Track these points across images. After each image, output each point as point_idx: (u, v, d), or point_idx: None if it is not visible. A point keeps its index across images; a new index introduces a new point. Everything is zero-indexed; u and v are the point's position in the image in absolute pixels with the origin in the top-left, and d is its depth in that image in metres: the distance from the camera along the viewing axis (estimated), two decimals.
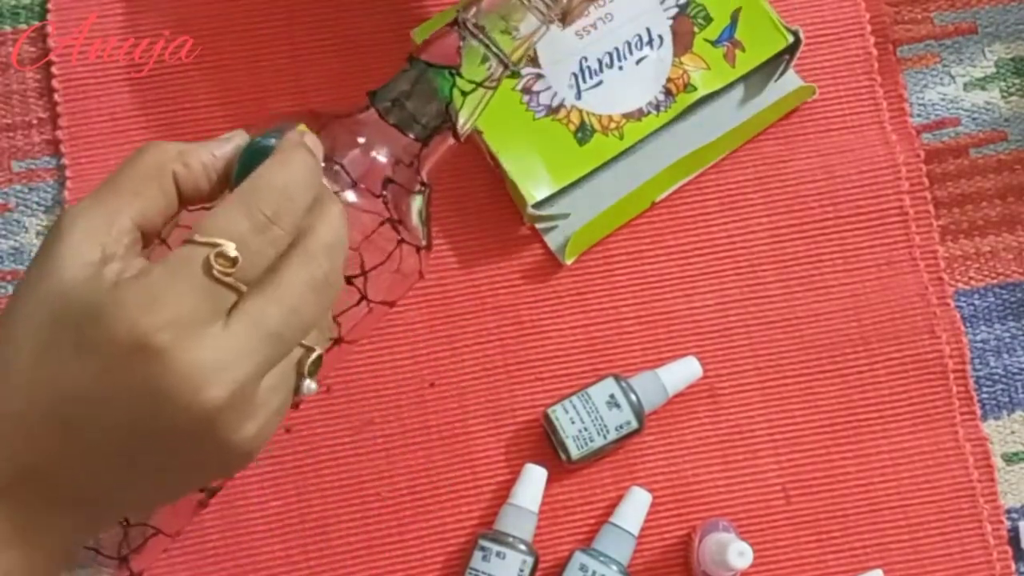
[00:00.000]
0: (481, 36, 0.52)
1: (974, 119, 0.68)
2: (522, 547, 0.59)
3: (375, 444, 0.63)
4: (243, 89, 0.66)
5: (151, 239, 0.44)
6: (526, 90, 0.64)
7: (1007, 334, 0.66)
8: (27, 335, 0.40)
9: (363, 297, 0.51)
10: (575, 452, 0.61)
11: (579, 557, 0.60)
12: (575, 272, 0.65)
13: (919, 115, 0.68)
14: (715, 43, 0.65)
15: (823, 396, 0.64)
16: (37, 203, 0.65)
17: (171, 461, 0.41)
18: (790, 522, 0.63)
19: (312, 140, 0.45)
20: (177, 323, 0.39)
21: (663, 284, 0.65)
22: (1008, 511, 0.64)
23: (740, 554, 0.56)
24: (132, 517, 0.51)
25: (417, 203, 0.52)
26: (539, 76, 0.64)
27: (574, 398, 0.61)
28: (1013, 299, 0.66)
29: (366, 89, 0.53)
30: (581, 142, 0.64)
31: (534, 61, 0.64)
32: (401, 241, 0.51)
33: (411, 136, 0.51)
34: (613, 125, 0.64)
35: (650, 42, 0.65)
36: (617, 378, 0.62)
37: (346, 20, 0.67)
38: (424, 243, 0.53)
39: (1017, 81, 0.69)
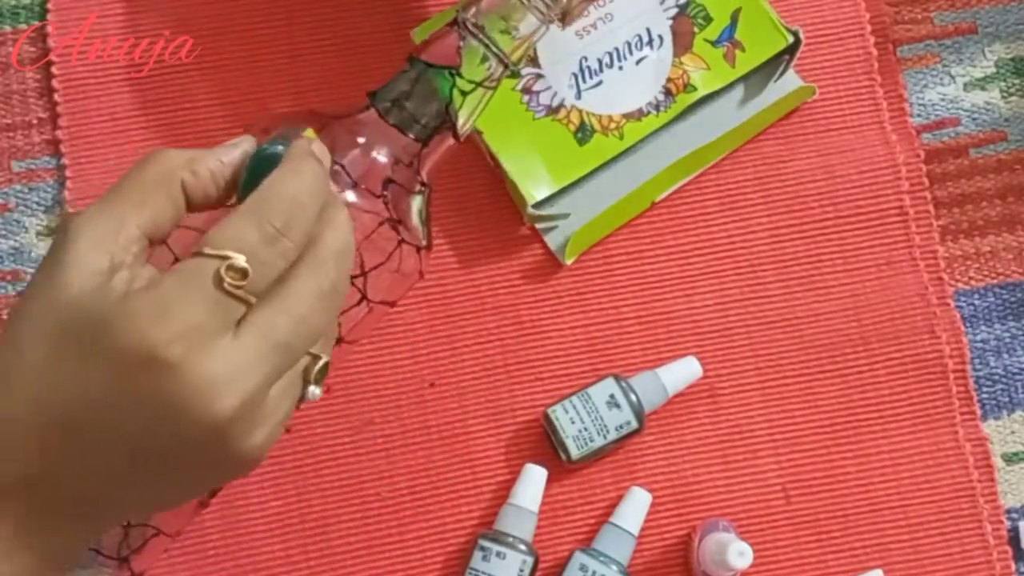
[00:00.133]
0: (481, 36, 0.52)
1: (974, 119, 0.68)
2: (522, 547, 0.59)
3: (375, 444, 0.63)
4: (243, 89, 0.66)
5: (157, 246, 0.44)
6: (526, 90, 0.64)
7: (1007, 334, 0.66)
8: (34, 343, 0.40)
9: (363, 297, 0.51)
10: (575, 452, 0.61)
11: (579, 557, 0.60)
12: (575, 272, 0.65)
13: (919, 115, 0.68)
14: (715, 43, 0.65)
15: (823, 396, 0.64)
16: (37, 203, 0.65)
17: (178, 469, 0.42)
18: (790, 522, 0.63)
19: (320, 148, 0.45)
20: (188, 336, 0.39)
21: (663, 284, 0.65)
22: (1008, 511, 0.64)
23: (740, 554, 0.56)
24: (134, 519, 0.51)
25: (417, 203, 0.52)
26: (539, 76, 0.64)
27: (574, 398, 0.61)
28: (1013, 299, 0.66)
29: (366, 89, 0.53)
30: (581, 142, 0.64)
31: (534, 61, 0.64)
32: (402, 241, 0.51)
33: (411, 136, 0.51)
34: (613, 125, 0.64)
35: (650, 42, 0.65)
36: (617, 378, 0.62)
37: (346, 20, 0.67)
38: (424, 243, 0.53)
39: (1017, 81, 0.69)
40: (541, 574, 0.61)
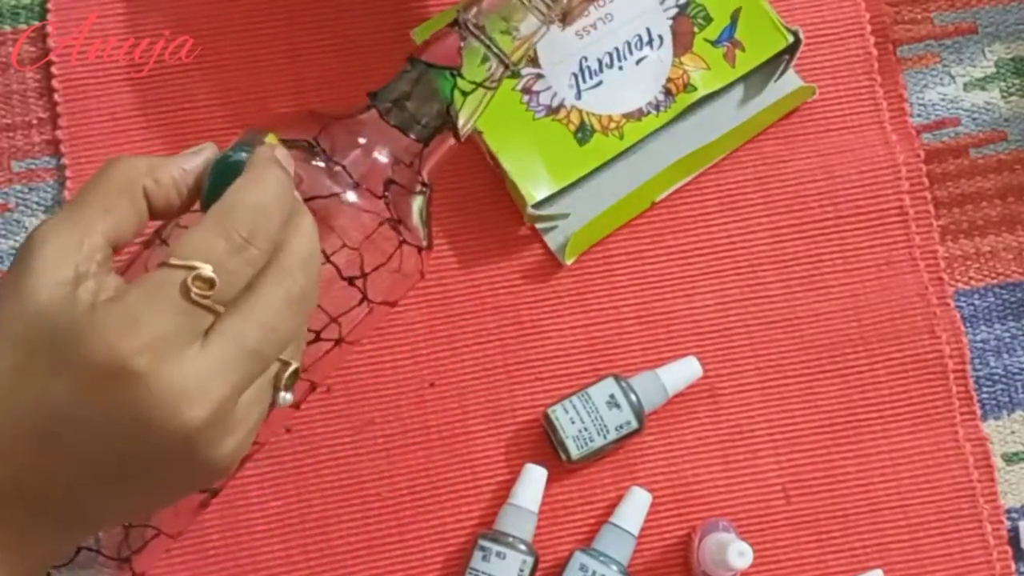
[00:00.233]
0: (481, 36, 0.52)
1: (974, 119, 0.68)
2: (522, 547, 0.59)
3: (375, 444, 0.63)
4: (243, 89, 0.66)
5: (120, 252, 0.44)
6: (526, 90, 0.64)
7: (1007, 334, 0.66)
8: (3, 354, 0.40)
9: (364, 298, 0.51)
10: (575, 452, 0.61)
11: (579, 557, 0.60)
12: (575, 272, 0.65)
13: (919, 115, 0.68)
14: (715, 43, 0.65)
15: (823, 396, 0.64)
16: (37, 203, 0.65)
17: (151, 478, 0.42)
18: (790, 522, 0.63)
19: (283, 154, 0.45)
20: (155, 346, 0.39)
21: (663, 284, 0.65)
22: (1008, 511, 0.64)
23: (740, 554, 0.56)
24: (108, 526, 0.51)
25: (418, 203, 0.52)
26: (539, 76, 0.64)
27: (574, 398, 0.61)
28: (1013, 299, 0.66)
29: (366, 89, 0.53)
30: (581, 142, 0.64)
31: (534, 61, 0.64)
32: (403, 242, 0.51)
33: (412, 137, 0.51)
34: (613, 125, 0.64)
35: (650, 42, 0.65)
36: (617, 378, 0.62)
37: (346, 20, 0.67)
38: (425, 243, 0.53)
39: (1017, 81, 0.69)
40: (541, 574, 0.61)
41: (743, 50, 0.65)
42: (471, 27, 0.52)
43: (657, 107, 0.65)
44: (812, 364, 0.64)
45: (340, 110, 0.52)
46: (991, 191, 0.68)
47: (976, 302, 0.66)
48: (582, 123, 0.64)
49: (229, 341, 0.40)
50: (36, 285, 0.40)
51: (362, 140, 0.51)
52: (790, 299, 0.65)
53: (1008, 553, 0.63)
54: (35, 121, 0.66)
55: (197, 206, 0.45)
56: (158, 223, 0.49)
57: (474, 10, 0.52)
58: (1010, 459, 0.65)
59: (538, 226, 0.65)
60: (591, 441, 0.61)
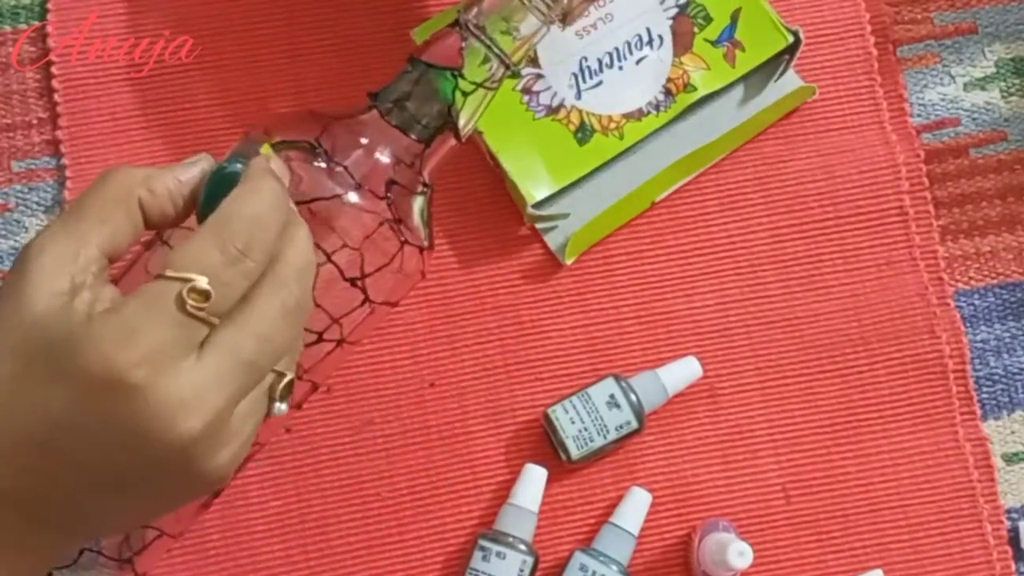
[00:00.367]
0: (482, 37, 0.52)
1: (974, 119, 0.68)
2: (522, 547, 0.59)
3: (375, 444, 0.63)
4: (243, 89, 0.66)
5: (116, 263, 0.44)
6: (526, 90, 0.64)
7: (1007, 334, 0.66)
8: (1, 362, 0.40)
9: (366, 299, 0.51)
10: (575, 452, 0.61)
11: (579, 557, 0.60)
12: (575, 272, 0.65)
13: (919, 115, 0.68)
14: (715, 43, 0.65)
15: (823, 396, 0.64)
16: (37, 203, 0.65)
17: (148, 488, 0.42)
18: (790, 522, 0.63)
19: (278, 165, 0.45)
20: (151, 359, 0.39)
21: (663, 284, 0.65)
22: (1008, 511, 0.64)
23: (740, 554, 0.56)
24: (105, 535, 0.51)
25: (419, 204, 0.52)
26: (539, 76, 0.64)
27: (574, 398, 0.61)
28: (1013, 299, 0.66)
29: (366, 89, 0.53)
30: (581, 142, 0.64)
31: (534, 61, 0.64)
32: (405, 242, 0.51)
33: (413, 137, 0.51)
34: (613, 125, 0.64)
35: (650, 42, 0.65)
36: (617, 378, 0.62)
37: (346, 20, 0.67)
38: (426, 244, 0.53)
39: (1017, 81, 0.69)
40: (541, 574, 0.61)
41: (743, 50, 0.65)
42: (472, 28, 0.52)
43: (657, 107, 0.65)
44: (812, 364, 0.64)
45: (341, 110, 0.52)
46: (991, 191, 0.68)
47: (976, 302, 0.66)
48: (582, 123, 0.64)
49: (224, 353, 0.41)
50: (33, 295, 0.40)
51: (363, 140, 0.51)
52: (790, 299, 0.65)
53: (1008, 553, 0.63)
54: (35, 121, 0.66)
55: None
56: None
57: (475, 11, 0.52)
58: (1010, 459, 0.65)
59: (538, 226, 0.65)
60: (591, 441, 0.61)
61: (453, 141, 0.53)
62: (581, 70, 0.64)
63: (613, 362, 0.64)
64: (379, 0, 0.67)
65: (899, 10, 0.69)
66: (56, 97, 0.65)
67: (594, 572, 0.59)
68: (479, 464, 0.63)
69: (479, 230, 0.65)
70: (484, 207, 0.65)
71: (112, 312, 0.40)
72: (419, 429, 0.63)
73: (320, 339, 0.51)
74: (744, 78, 0.66)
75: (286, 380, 0.44)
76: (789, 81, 0.66)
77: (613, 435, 0.61)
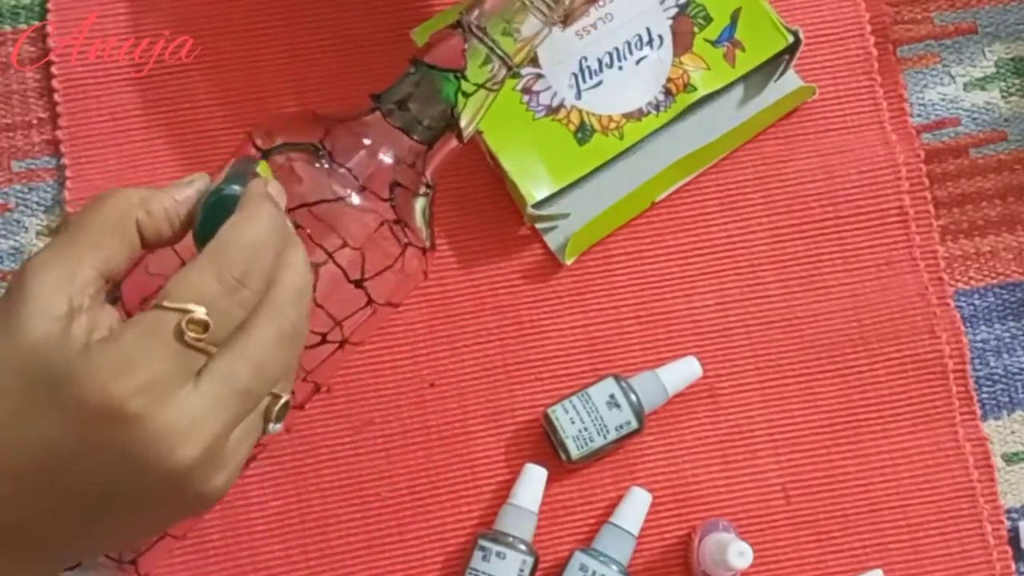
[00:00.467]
0: (484, 38, 0.52)
1: (974, 119, 0.68)
2: (522, 547, 0.59)
3: (375, 444, 0.63)
4: (243, 89, 0.66)
5: (112, 283, 0.44)
6: (526, 90, 0.64)
7: (1007, 334, 0.66)
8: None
9: (370, 300, 0.51)
10: (575, 452, 0.61)
11: (579, 557, 0.60)
12: (575, 272, 0.65)
13: (919, 115, 0.68)
14: (715, 43, 0.65)
15: (823, 396, 0.64)
16: (37, 203, 0.65)
17: (142, 512, 0.42)
18: (790, 522, 0.63)
19: (276, 188, 0.45)
20: (150, 389, 0.39)
21: (663, 284, 0.65)
22: (1008, 511, 0.64)
23: (740, 554, 0.56)
24: (101, 554, 0.51)
25: (421, 204, 0.52)
26: (539, 76, 0.64)
27: (574, 398, 0.61)
28: (1013, 299, 0.66)
29: (366, 89, 0.53)
30: (581, 142, 0.64)
31: (534, 61, 0.64)
32: (408, 244, 0.51)
33: (415, 139, 0.51)
34: (613, 125, 0.64)
35: (650, 42, 0.65)
36: (617, 378, 0.62)
37: (346, 20, 0.67)
38: (428, 244, 0.53)
39: (1017, 81, 0.69)
40: (541, 574, 0.61)
41: (743, 50, 0.65)
42: (474, 29, 0.52)
43: (657, 107, 0.65)
44: (812, 364, 0.64)
45: (343, 112, 0.52)
46: (991, 191, 0.68)
47: (976, 302, 0.66)
48: (582, 123, 0.64)
49: (221, 381, 0.41)
50: (31, 319, 0.40)
51: (366, 142, 0.51)
52: (790, 299, 0.65)
53: (1008, 553, 0.63)
54: (35, 121, 0.66)
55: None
56: None
57: (476, 12, 0.52)
58: (1010, 459, 0.65)
59: (538, 226, 0.65)
60: (591, 441, 0.61)
61: (455, 142, 0.53)
62: (581, 70, 0.64)
63: (613, 362, 0.64)
64: (379, 0, 0.67)
65: (899, 10, 0.69)
66: (56, 97, 0.65)
67: (594, 572, 0.59)
68: (479, 464, 0.63)
69: (479, 230, 0.65)
70: (484, 207, 0.65)
71: (110, 341, 0.40)
72: (419, 429, 0.63)
73: (324, 341, 0.51)
74: (744, 78, 0.66)
75: (281, 402, 0.44)
76: (789, 81, 0.66)
77: (613, 435, 0.61)
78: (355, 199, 0.49)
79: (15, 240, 0.65)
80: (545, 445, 0.63)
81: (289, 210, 0.48)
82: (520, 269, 0.65)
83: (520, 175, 0.63)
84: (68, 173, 0.65)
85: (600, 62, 0.64)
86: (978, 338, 0.66)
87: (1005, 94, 0.69)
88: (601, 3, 0.65)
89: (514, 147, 0.63)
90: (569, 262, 0.64)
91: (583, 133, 0.64)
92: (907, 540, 0.63)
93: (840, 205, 0.66)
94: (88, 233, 0.42)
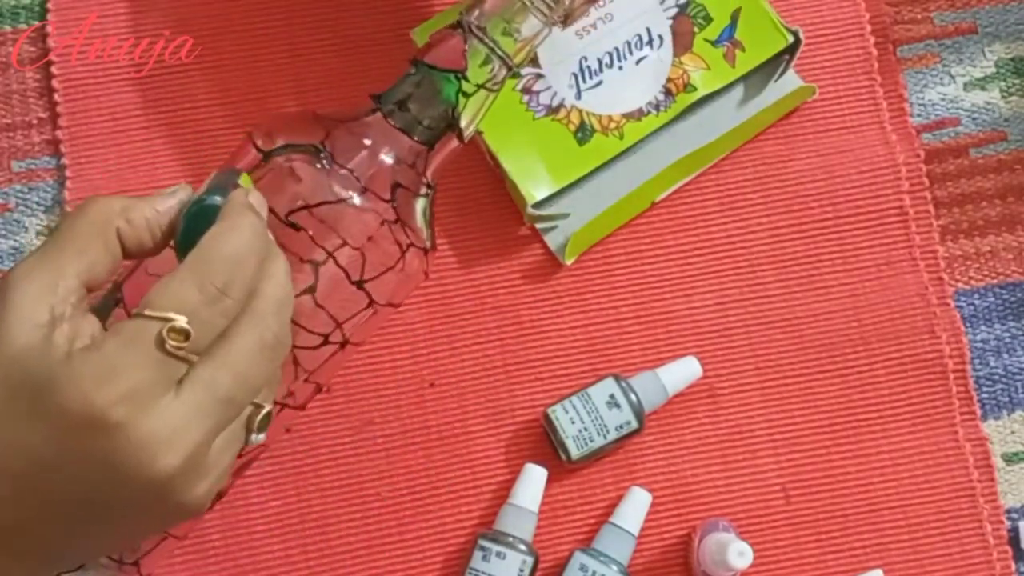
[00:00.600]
0: (484, 39, 0.52)
1: (974, 119, 0.68)
2: (522, 547, 0.59)
3: (375, 444, 0.63)
4: (243, 89, 0.66)
5: (93, 292, 0.44)
6: (526, 90, 0.64)
7: (1007, 334, 0.66)
8: None
9: (372, 302, 0.51)
10: (575, 452, 0.61)
11: (579, 557, 0.60)
12: (575, 272, 0.65)
13: (919, 115, 0.68)
14: (715, 43, 0.65)
15: (823, 396, 0.64)
16: (37, 203, 0.65)
17: (124, 521, 0.42)
18: (790, 522, 0.63)
19: (257, 199, 0.45)
20: (132, 397, 0.39)
21: (663, 284, 0.65)
22: (1008, 511, 0.64)
23: (740, 554, 0.56)
24: (82, 561, 0.52)
25: (421, 205, 0.52)
26: (539, 76, 0.64)
27: (574, 398, 0.61)
28: (1013, 299, 0.66)
29: (366, 89, 0.53)
30: (581, 142, 0.64)
31: (534, 61, 0.64)
32: (410, 245, 0.51)
33: (416, 139, 0.51)
34: (613, 125, 0.64)
35: (650, 42, 0.65)
36: (617, 378, 0.62)
37: (346, 20, 0.67)
38: (429, 244, 0.53)
39: (1017, 81, 0.69)
40: (541, 574, 0.61)
41: (743, 50, 0.65)
42: (474, 29, 0.52)
43: (657, 107, 0.65)
44: (812, 364, 0.64)
45: (344, 112, 0.52)
46: (991, 191, 0.68)
47: (976, 302, 0.66)
48: (582, 123, 0.64)
49: (203, 389, 0.41)
50: (13, 327, 0.40)
51: (367, 143, 0.51)
52: (789, 299, 0.65)
53: (1008, 553, 0.63)
54: (35, 121, 0.66)
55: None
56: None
57: (476, 12, 0.52)
58: (1010, 459, 0.65)
59: (538, 226, 0.65)
60: (591, 441, 0.61)
61: (455, 142, 0.53)
62: (581, 70, 0.64)
63: (613, 362, 0.64)
64: (379, 0, 0.67)
65: (899, 10, 0.69)
66: (56, 97, 0.65)
67: (594, 572, 0.59)
68: (479, 464, 0.63)
69: (479, 230, 0.65)
70: (484, 207, 0.65)
71: (92, 350, 0.40)
72: (419, 429, 0.63)
73: (325, 341, 0.51)
74: (744, 78, 0.66)
75: (263, 412, 0.44)
76: (789, 81, 0.66)
77: (613, 435, 0.61)
78: (356, 200, 0.49)
79: (15, 240, 0.65)
80: (545, 445, 0.63)
81: (290, 211, 0.48)
82: (520, 269, 0.65)
83: (520, 175, 0.63)
84: (68, 173, 0.65)
85: (600, 62, 0.64)
86: (978, 338, 0.66)
87: (1005, 94, 0.69)
88: (601, 3, 0.65)
89: (514, 147, 0.63)
90: (569, 262, 0.64)
91: (583, 133, 0.64)
92: (907, 540, 0.63)
93: (840, 205, 0.66)
94: (70, 242, 0.43)
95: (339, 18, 0.67)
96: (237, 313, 0.42)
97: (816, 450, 0.64)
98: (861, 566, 0.62)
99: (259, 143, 0.50)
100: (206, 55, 0.66)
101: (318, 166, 0.49)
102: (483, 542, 0.60)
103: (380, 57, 0.66)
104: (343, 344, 0.52)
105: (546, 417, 0.62)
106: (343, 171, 0.49)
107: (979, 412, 0.65)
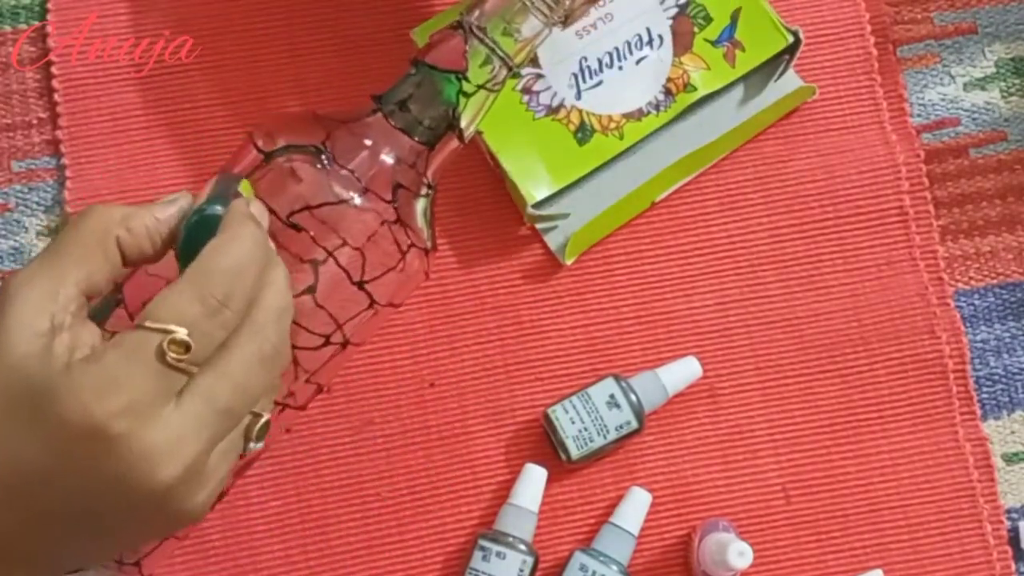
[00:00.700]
0: (485, 39, 0.52)
1: (974, 119, 0.68)
2: (522, 547, 0.59)
3: (375, 444, 0.63)
4: (243, 89, 0.66)
5: (94, 300, 0.44)
6: (526, 90, 0.64)
7: (1007, 334, 0.66)
8: None
9: (372, 301, 0.51)
10: (575, 452, 0.61)
11: (579, 557, 0.60)
12: (575, 272, 0.65)
13: (919, 115, 0.68)
14: (715, 43, 0.65)
15: (823, 396, 0.64)
16: (37, 203, 0.65)
17: (123, 529, 0.43)
18: (790, 522, 0.63)
19: (258, 208, 0.46)
20: (132, 409, 0.40)
21: (663, 284, 0.65)
22: (1008, 511, 0.64)
23: (740, 554, 0.56)
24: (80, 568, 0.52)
25: (422, 205, 0.52)
26: (539, 76, 0.64)
27: (574, 398, 0.61)
28: (1013, 299, 0.66)
29: (366, 89, 0.53)
30: (581, 142, 0.64)
31: (534, 61, 0.64)
32: (411, 245, 0.51)
33: (416, 139, 0.51)
34: (613, 125, 0.64)
35: (650, 42, 0.65)
36: (617, 378, 0.62)
37: (346, 20, 0.67)
38: (429, 245, 0.53)
39: (1017, 81, 0.69)
40: (541, 574, 0.61)
41: (743, 50, 0.65)
42: (474, 30, 0.52)
43: (657, 107, 0.65)
44: (812, 364, 0.64)
45: (344, 113, 0.52)
46: (991, 191, 0.68)
47: (976, 302, 0.66)
48: (582, 123, 0.64)
49: (202, 400, 0.41)
50: (13, 336, 0.40)
51: (368, 143, 0.51)
52: (790, 299, 0.65)
53: (1008, 553, 0.63)
54: (35, 121, 0.66)
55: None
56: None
57: (476, 12, 0.52)
58: (1010, 459, 0.65)
59: (538, 226, 0.65)
60: (591, 441, 0.61)
61: (456, 143, 0.53)
62: (581, 70, 0.64)
63: (613, 362, 0.64)
64: (379, 0, 0.67)
65: (899, 10, 0.69)
66: (56, 97, 0.65)
67: (594, 572, 0.59)
68: (479, 464, 0.63)
69: (479, 230, 0.65)
70: (484, 207, 0.65)
71: (92, 361, 0.40)
72: (419, 429, 0.63)
73: (326, 342, 0.51)
74: (744, 78, 0.66)
75: (262, 421, 0.44)
76: (789, 81, 0.66)
77: (613, 435, 0.61)
78: (357, 200, 0.49)
79: (15, 240, 0.65)
80: (545, 445, 0.63)
81: (291, 212, 0.48)
82: (520, 269, 0.65)
83: (520, 175, 0.63)
84: (68, 173, 0.65)
85: (600, 62, 0.64)
86: (978, 338, 0.66)
87: (1005, 94, 0.69)
88: (601, 3, 0.65)
89: (514, 147, 0.63)
90: (569, 262, 0.64)
91: (583, 133, 0.64)
92: (907, 540, 0.63)
93: (840, 205, 0.66)
94: (70, 250, 0.43)
95: (339, 18, 0.67)
96: (237, 324, 0.42)
97: (816, 450, 0.64)
98: (861, 566, 0.62)
99: (260, 144, 0.50)
100: (206, 55, 0.66)
101: (319, 167, 0.49)
102: (483, 542, 0.60)
103: (380, 57, 0.66)
104: (344, 344, 0.52)
105: (546, 417, 0.62)
106: (344, 172, 0.49)
107: (979, 412, 0.65)
